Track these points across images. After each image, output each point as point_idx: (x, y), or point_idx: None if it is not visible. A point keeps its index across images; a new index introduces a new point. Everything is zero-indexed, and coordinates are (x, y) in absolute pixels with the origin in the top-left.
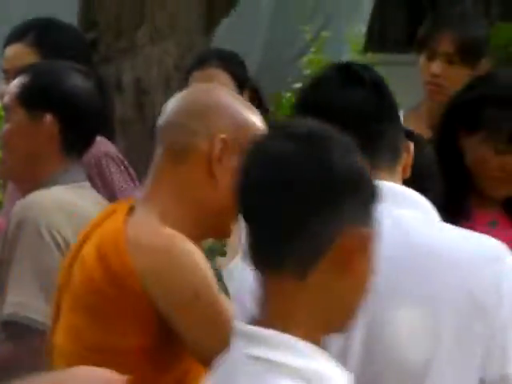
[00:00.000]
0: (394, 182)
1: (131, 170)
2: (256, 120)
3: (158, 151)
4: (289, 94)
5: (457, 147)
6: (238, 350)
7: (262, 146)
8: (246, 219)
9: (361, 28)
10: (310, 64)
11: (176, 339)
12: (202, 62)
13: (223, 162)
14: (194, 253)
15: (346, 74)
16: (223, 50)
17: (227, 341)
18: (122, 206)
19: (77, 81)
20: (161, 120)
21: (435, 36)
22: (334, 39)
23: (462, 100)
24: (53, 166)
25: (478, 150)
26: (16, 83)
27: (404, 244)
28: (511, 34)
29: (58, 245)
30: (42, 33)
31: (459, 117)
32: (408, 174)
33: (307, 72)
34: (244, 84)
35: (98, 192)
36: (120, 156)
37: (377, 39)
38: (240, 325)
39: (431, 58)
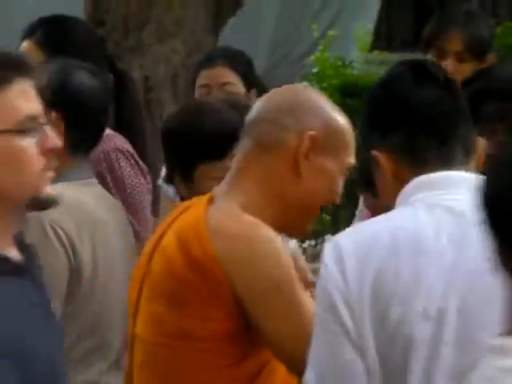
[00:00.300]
0: None
1: (142, 165)
2: (343, 121)
3: (245, 145)
4: None
5: None
6: (488, 365)
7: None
8: (495, 228)
9: (368, 26)
10: (317, 62)
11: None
12: (209, 60)
13: (310, 158)
14: (277, 242)
15: (420, 72)
16: (230, 49)
17: (308, 336)
18: (199, 200)
19: (83, 79)
20: (250, 116)
21: (443, 35)
22: (341, 38)
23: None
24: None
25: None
26: None
27: None
28: None
29: (61, 241)
30: (48, 31)
31: None
32: (480, 168)
33: (314, 70)
34: (251, 83)
35: (108, 186)
36: (131, 150)
37: (384, 38)
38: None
39: (441, 56)
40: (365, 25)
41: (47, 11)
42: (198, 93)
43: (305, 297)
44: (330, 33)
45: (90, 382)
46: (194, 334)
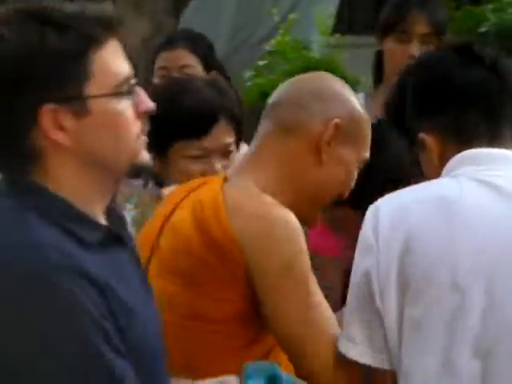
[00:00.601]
0: None
1: None
2: (364, 112)
3: (265, 126)
4: (250, 74)
5: None
6: None
7: None
8: None
9: (329, 10)
10: (278, 46)
11: None
12: (169, 43)
13: (331, 145)
14: (296, 226)
15: (466, 53)
16: (191, 32)
17: (313, 327)
18: (211, 178)
19: None
20: (273, 98)
21: (407, 18)
22: (301, 21)
23: None
24: None
25: None
26: None
27: None
28: (479, 16)
29: None
30: None
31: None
32: None
33: (268, 49)
34: (211, 66)
35: None
36: None
37: (345, 21)
38: None
39: (404, 40)
40: (326, 8)
41: None
42: (156, 75)
43: (315, 286)
44: (291, 16)
45: None
46: (207, 315)
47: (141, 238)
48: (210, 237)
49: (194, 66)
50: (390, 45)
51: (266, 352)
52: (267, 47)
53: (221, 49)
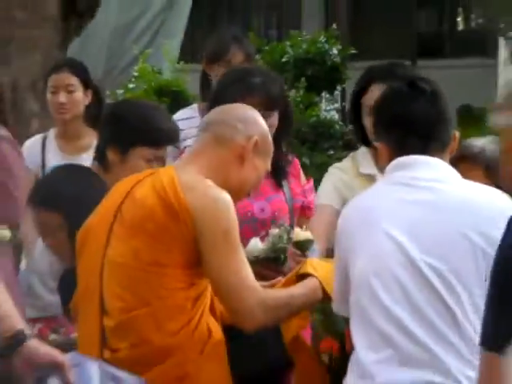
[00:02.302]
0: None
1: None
2: (268, 131)
3: (204, 137)
4: (121, 91)
5: None
6: None
7: None
8: None
9: (176, 43)
10: (139, 72)
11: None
12: (57, 68)
13: (250, 156)
14: (231, 202)
15: (414, 86)
16: (73, 60)
17: (239, 279)
18: (161, 169)
19: None
20: (209, 118)
21: (230, 51)
22: (155, 53)
23: None
24: None
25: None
26: None
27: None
28: (281, 50)
29: None
30: None
31: None
32: (453, 153)
33: (135, 74)
34: (88, 85)
35: None
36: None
37: (189, 52)
38: None
39: (228, 66)
40: (172, 42)
41: None
42: (48, 91)
43: (242, 249)
44: (147, 51)
45: None
46: (162, 262)
47: (102, 209)
48: (170, 208)
49: (76, 85)
50: (216, 69)
51: (199, 293)
52: (133, 72)
53: (99, 72)
